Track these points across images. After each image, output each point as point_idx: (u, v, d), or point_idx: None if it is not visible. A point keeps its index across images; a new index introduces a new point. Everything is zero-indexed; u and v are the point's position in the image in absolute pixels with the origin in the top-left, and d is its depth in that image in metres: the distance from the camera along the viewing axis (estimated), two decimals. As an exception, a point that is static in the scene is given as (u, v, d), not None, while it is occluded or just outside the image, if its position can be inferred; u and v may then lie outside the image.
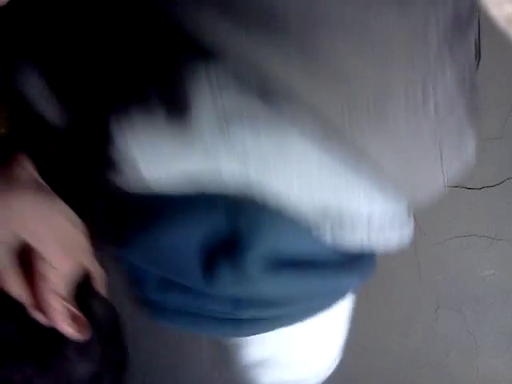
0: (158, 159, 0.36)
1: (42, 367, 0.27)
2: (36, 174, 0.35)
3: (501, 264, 1.09)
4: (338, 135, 0.37)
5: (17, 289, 0.29)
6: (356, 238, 0.40)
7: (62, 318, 0.29)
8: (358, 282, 0.44)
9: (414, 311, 1.19)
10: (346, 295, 0.46)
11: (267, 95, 0.36)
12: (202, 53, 0.35)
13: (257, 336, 0.45)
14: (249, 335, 0.44)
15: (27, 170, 0.35)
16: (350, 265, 0.42)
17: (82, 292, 0.33)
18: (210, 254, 0.38)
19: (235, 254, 0.37)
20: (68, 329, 0.30)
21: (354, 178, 0.39)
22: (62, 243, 0.31)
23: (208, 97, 0.35)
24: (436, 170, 0.43)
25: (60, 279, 0.31)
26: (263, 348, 0.47)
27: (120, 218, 0.40)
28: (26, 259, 0.30)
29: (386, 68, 0.37)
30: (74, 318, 0.30)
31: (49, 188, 0.34)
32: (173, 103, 0.35)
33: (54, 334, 0.29)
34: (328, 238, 0.40)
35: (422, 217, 1.07)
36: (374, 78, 0.36)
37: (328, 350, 0.50)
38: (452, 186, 1.09)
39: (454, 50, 0.40)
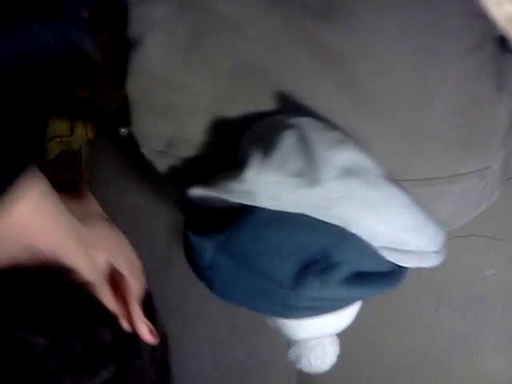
0: (270, 200, 0.46)
1: (125, 365, 0.33)
2: (100, 208, 0.42)
3: (501, 264, 1.09)
4: (418, 197, 0.50)
5: (109, 302, 0.35)
6: (411, 262, 0.52)
7: (143, 326, 0.36)
8: (397, 284, 0.56)
9: (414, 311, 1.19)
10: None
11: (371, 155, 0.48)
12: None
13: None
14: (299, 318, 0.57)
15: (94, 204, 0.42)
16: (394, 273, 0.54)
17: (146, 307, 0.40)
18: (303, 266, 0.48)
19: (324, 270, 0.48)
20: (147, 334, 0.36)
21: (423, 222, 0.51)
22: (130, 266, 0.38)
23: (332, 154, 0.45)
24: (468, 215, 0.58)
25: (136, 295, 0.38)
26: None
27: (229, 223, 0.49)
28: (112, 278, 0.37)
29: (467, 154, 0.51)
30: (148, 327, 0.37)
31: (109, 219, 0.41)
32: (303, 162, 0.44)
33: (134, 339, 0.36)
34: (391, 259, 0.51)
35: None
36: (456, 160, 0.51)
37: (348, 315, 0.63)
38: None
39: (509, 136, 0.53)
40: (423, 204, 0.51)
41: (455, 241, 1.11)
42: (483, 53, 0.49)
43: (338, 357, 0.68)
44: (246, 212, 0.48)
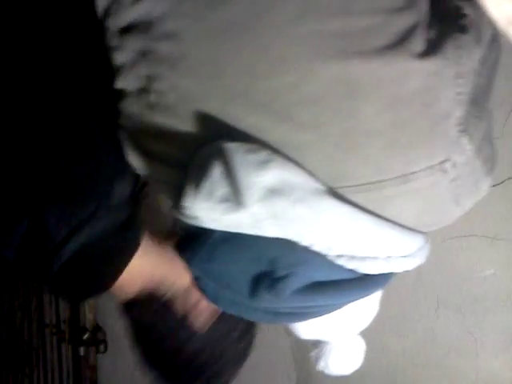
0: (214, 222, 0.50)
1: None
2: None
3: (501, 264, 1.09)
4: (369, 203, 0.49)
5: (185, 305, 0.60)
6: (375, 269, 0.51)
7: (203, 318, 0.62)
8: (377, 289, 0.55)
9: (414, 311, 1.19)
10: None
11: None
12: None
13: None
14: (287, 323, 0.61)
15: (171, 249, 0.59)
16: (368, 278, 0.53)
17: None
18: (256, 281, 0.53)
19: (273, 283, 0.51)
20: (204, 323, 0.60)
21: (377, 228, 0.49)
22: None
23: (254, 176, 0.46)
24: (452, 213, 0.54)
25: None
26: None
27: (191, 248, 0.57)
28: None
29: (412, 151, 0.48)
30: None
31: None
32: (229, 187, 0.47)
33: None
34: (351, 267, 0.51)
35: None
36: (401, 159, 0.48)
37: (362, 316, 0.66)
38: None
39: (472, 123, 0.51)
40: (379, 208, 0.49)
41: (455, 241, 1.11)
42: (407, 46, 0.47)
43: (338, 357, 0.68)
44: (205, 233, 0.52)
